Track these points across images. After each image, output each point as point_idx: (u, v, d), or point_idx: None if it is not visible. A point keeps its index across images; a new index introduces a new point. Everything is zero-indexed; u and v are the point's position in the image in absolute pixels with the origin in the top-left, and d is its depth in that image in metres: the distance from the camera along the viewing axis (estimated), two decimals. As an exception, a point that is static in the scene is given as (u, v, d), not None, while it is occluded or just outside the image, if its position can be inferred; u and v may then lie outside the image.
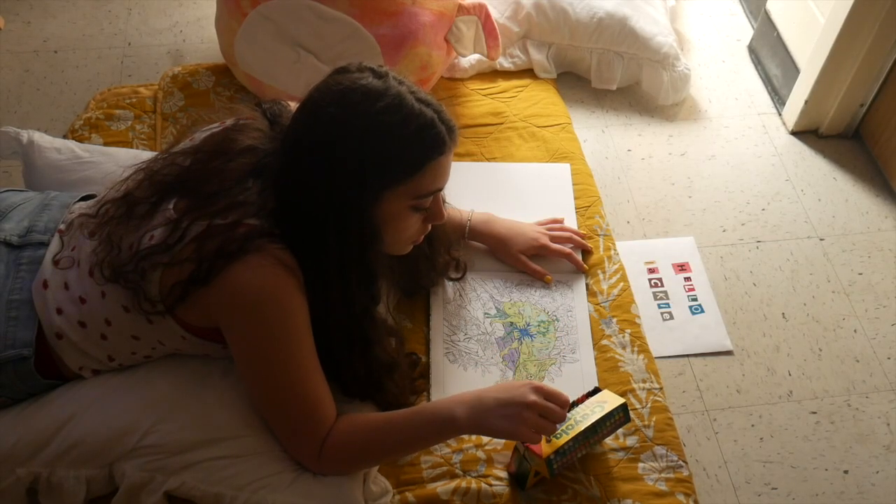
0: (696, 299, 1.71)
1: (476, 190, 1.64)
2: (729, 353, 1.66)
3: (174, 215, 1.10)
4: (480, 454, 1.25)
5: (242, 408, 1.17)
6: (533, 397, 1.12)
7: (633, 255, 1.78)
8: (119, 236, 1.12)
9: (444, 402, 1.16)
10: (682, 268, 1.74)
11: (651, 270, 1.75)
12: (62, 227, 1.22)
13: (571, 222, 1.59)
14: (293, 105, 1.19)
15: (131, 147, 1.70)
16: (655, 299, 1.71)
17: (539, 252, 1.49)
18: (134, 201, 1.14)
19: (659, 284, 1.74)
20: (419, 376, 1.33)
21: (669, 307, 1.71)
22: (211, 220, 1.07)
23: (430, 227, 1.23)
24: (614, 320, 1.45)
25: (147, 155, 1.35)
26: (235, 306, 1.07)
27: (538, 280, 1.48)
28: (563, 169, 1.70)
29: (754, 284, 1.81)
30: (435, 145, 1.09)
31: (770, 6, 2.21)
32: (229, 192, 1.09)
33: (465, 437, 1.27)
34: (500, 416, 1.12)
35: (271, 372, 1.09)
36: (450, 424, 1.13)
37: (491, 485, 1.22)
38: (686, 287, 1.73)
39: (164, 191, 1.13)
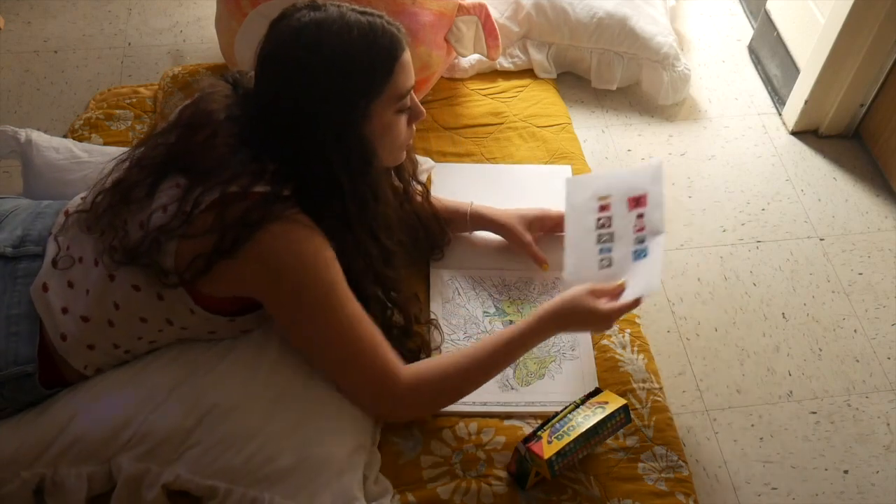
0: (642, 241, 1.35)
1: (476, 191, 1.63)
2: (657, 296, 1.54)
3: (181, 189, 1.10)
4: (480, 454, 1.25)
5: (233, 389, 1.17)
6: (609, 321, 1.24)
7: (587, 189, 1.43)
8: (123, 219, 1.13)
9: (536, 325, 1.23)
10: (637, 202, 1.38)
11: (602, 208, 1.41)
12: (56, 230, 1.21)
13: None
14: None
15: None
16: (598, 242, 1.38)
17: (540, 218, 1.48)
18: (128, 186, 1.15)
19: (607, 224, 1.39)
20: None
21: (611, 251, 1.37)
22: (223, 188, 1.08)
23: (414, 129, 1.27)
24: (614, 320, 1.45)
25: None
26: (273, 278, 1.10)
27: (535, 273, 1.48)
28: (564, 171, 1.70)
29: (754, 284, 1.81)
30: (393, 45, 1.14)
31: (770, 6, 2.21)
32: (228, 164, 1.10)
33: (465, 437, 1.27)
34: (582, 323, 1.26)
35: (328, 329, 1.12)
36: (536, 333, 1.23)
37: (491, 485, 1.21)
38: (636, 227, 1.37)
39: (159, 171, 1.14)
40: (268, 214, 1.07)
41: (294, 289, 1.10)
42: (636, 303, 1.24)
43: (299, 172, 1.13)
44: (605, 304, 1.23)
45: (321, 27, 1.10)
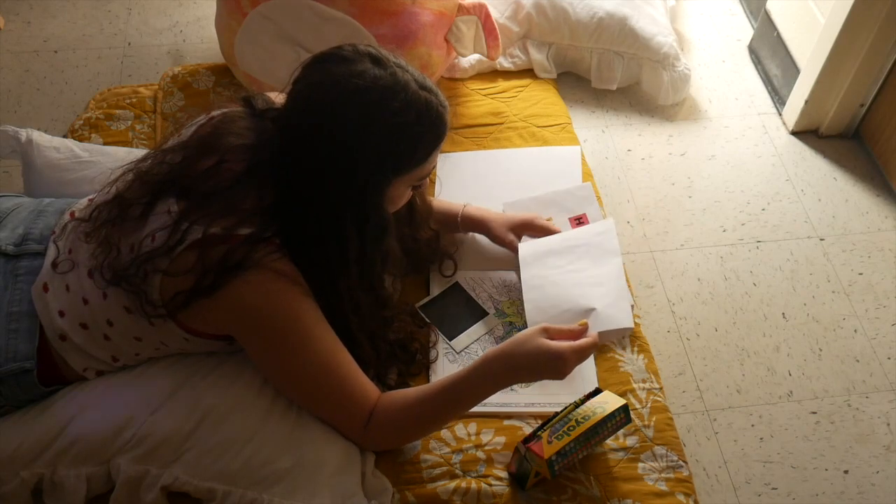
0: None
1: (483, 177, 1.64)
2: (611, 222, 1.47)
3: (174, 217, 1.09)
4: (480, 454, 1.25)
5: (232, 392, 1.17)
6: (568, 367, 1.12)
7: (526, 211, 1.56)
8: (117, 238, 1.13)
9: (482, 367, 1.14)
10: (578, 221, 1.52)
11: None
12: (56, 230, 1.21)
13: None
14: (277, 96, 1.20)
15: (131, 147, 1.70)
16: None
17: (527, 223, 1.48)
18: (126, 202, 1.14)
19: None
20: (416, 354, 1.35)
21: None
22: (206, 227, 1.07)
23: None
24: (614, 320, 1.45)
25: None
26: (247, 325, 1.10)
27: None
28: (573, 152, 1.69)
29: (754, 284, 1.81)
30: (440, 134, 1.13)
31: (770, 6, 2.21)
32: (224, 195, 1.09)
33: (465, 437, 1.27)
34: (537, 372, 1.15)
35: (300, 376, 1.13)
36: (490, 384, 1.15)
37: (491, 485, 1.21)
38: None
39: (157, 190, 1.13)
40: (246, 260, 1.06)
41: (267, 337, 1.10)
42: (594, 345, 1.15)
43: (299, 217, 1.10)
44: (557, 343, 1.12)
45: (384, 96, 1.06)
